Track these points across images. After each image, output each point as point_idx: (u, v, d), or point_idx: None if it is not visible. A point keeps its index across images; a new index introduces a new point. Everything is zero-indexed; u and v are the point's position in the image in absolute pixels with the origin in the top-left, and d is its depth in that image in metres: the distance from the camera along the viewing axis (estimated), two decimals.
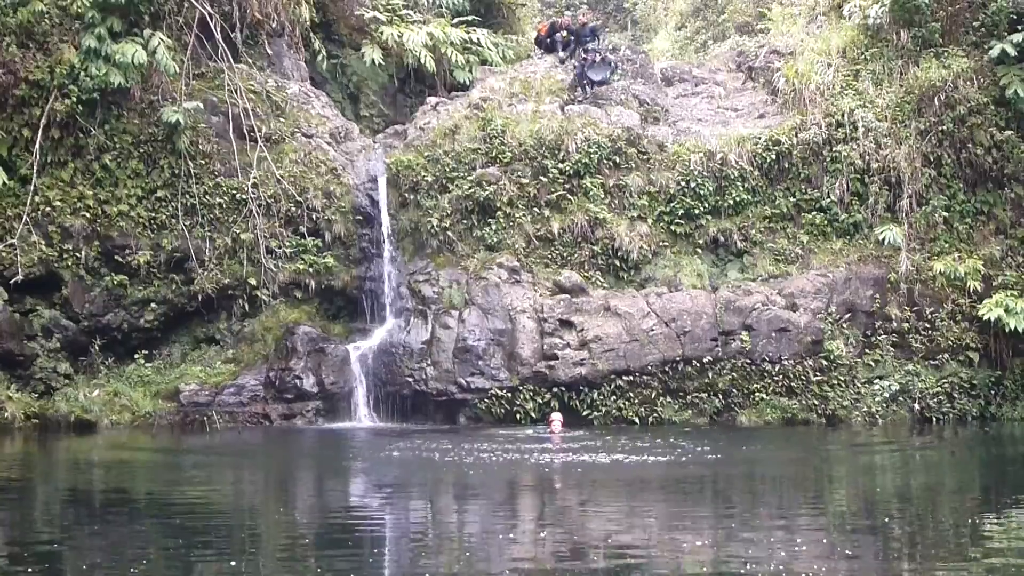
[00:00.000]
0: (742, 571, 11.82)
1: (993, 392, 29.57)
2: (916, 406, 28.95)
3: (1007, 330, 28.62)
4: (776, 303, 29.04)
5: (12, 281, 27.86)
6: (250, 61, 31.82)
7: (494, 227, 30.05)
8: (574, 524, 15.18)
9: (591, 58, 32.41)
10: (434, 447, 22.88)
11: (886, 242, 29.81)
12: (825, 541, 13.53)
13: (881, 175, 30.44)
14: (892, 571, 11.90)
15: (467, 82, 34.91)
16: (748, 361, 28.58)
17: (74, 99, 28.27)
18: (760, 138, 30.94)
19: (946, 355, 29.46)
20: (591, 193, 30.35)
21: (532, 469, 20.44)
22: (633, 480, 19.30)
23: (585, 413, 28.01)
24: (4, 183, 27.97)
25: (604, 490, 18.35)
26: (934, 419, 28.78)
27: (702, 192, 30.43)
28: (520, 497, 18.38)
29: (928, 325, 29.50)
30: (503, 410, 28.23)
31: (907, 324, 29.46)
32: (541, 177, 30.40)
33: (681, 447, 23.12)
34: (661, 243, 30.30)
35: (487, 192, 30.00)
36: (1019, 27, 30.30)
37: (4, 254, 27.94)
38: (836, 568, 12.08)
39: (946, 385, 29.20)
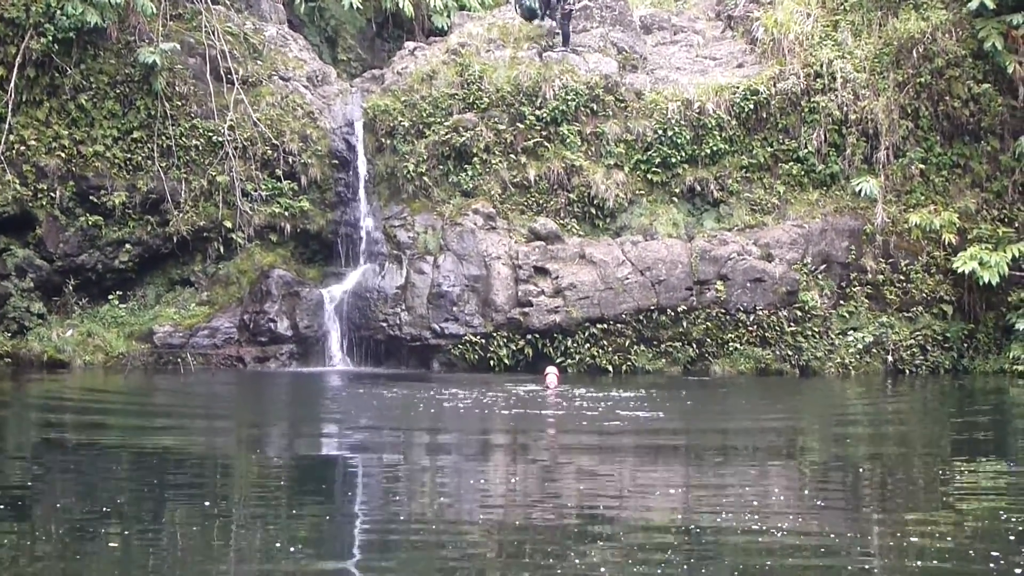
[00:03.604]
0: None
1: (966, 345, 29.74)
2: (889, 358, 29.10)
3: (981, 283, 28.71)
4: (752, 253, 29.08)
5: None
6: (228, 3, 31.58)
7: (470, 173, 30.00)
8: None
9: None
10: (439, 397, 22.35)
11: (862, 194, 29.89)
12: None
13: (858, 126, 30.45)
14: (864, 520, 11.99)
15: (445, 27, 34.83)
16: (723, 311, 28.66)
17: (50, 38, 28.02)
18: (738, 88, 30.86)
19: (920, 307, 29.58)
20: (568, 140, 30.31)
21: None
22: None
23: (559, 360, 28.01)
24: None
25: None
26: (907, 371, 28.95)
27: (679, 141, 30.39)
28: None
29: (903, 277, 29.60)
30: (477, 356, 28.29)
31: (882, 276, 29.56)
32: (518, 124, 30.33)
33: (720, 402, 23.04)
34: (637, 191, 30.30)
35: (464, 138, 29.93)
36: None
37: None
38: (808, 519, 12.19)
39: (919, 337, 29.34)
